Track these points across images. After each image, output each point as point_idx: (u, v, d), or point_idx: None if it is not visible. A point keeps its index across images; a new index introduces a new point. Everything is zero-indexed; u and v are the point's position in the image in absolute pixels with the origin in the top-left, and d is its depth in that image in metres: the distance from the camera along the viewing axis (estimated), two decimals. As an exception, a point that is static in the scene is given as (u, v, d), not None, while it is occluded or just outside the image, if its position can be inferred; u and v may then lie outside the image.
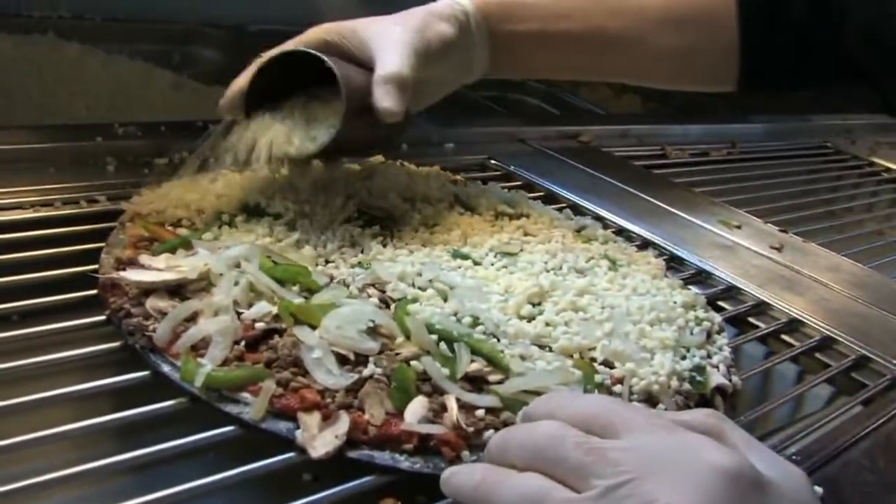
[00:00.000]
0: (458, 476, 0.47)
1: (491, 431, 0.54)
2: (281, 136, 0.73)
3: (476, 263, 0.72)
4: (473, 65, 0.85)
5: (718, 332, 0.73)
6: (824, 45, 0.85)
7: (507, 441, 0.47)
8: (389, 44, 0.74)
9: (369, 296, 0.64)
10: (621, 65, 0.91)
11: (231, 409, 0.53)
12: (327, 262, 0.68)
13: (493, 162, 1.10)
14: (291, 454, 0.52)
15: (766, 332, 0.81)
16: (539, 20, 0.85)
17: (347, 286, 0.64)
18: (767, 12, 0.86)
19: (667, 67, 0.91)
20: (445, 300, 0.65)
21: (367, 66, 0.74)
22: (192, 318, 0.58)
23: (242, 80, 0.75)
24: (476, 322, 0.63)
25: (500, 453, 0.47)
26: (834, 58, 0.86)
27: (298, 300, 0.61)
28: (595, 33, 0.87)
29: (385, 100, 0.71)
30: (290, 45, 0.76)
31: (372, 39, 0.75)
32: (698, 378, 0.64)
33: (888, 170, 1.62)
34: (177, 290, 0.61)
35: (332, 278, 0.65)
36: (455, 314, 0.63)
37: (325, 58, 0.71)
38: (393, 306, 0.63)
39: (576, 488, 0.42)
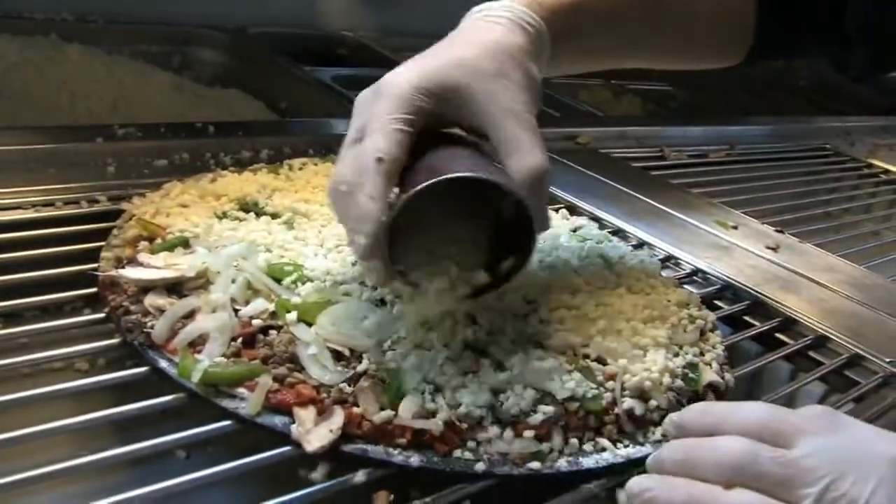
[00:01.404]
0: (661, 492, 0.50)
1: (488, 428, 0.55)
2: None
3: (472, 262, 0.73)
4: None
5: (712, 330, 0.73)
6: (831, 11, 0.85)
7: (693, 458, 0.51)
8: (513, 120, 0.60)
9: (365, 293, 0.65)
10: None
11: (228, 404, 0.54)
12: (324, 260, 0.69)
13: (491, 163, 1.11)
14: (287, 448, 0.52)
15: (760, 330, 0.81)
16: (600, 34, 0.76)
17: (343, 283, 0.65)
18: None
19: (694, 38, 0.85)
20: (440, 297, 0.65)
21: (473, 132, 0.63)
22: (190, 315, 0.59)
23: (382, 216, 0.56)
24: (471, 319, 0.63)
25: (687, 469, 0.51)
26: (836, 26, 0.85)
27: (295, 298, 0.61)
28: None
29: (542, 210, 0.60)
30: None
31: (483, 106, 0.60)
32: (691, 375, 0.65)
33: (886, 171, 1.62)
34: (175, 288, 0.62)
35: (328, 275, 0.66)
36: (450, 311, 0.64)
37: (517, 194, 0.58)
38: (388, 303, 0.64)
39: (786, 500, 0.47)
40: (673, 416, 0.57)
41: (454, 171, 0.57)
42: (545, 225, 0.61)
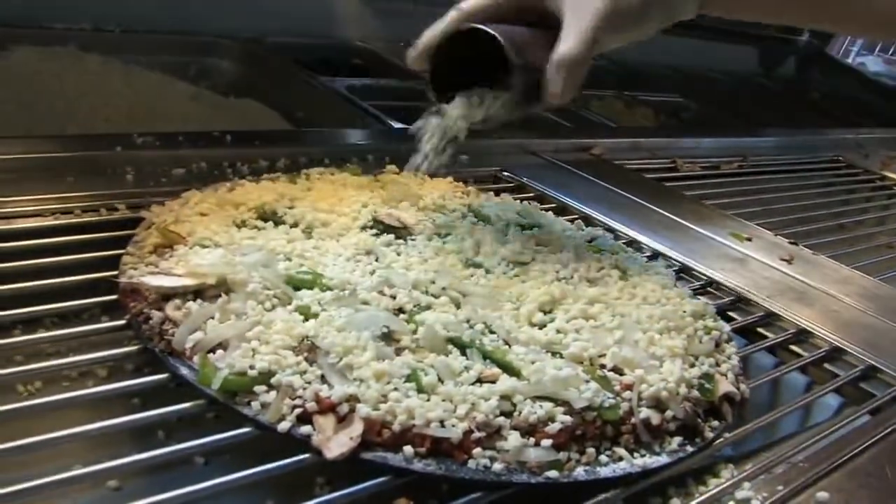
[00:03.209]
0: None
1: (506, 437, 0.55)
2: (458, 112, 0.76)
3: (488, 272, 0.74)
4: (676, 9, 0.79)
5: (727, 342, 0.73)
6: None
7: None
8: (577, 15, 0.73)
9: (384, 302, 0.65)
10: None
11: (248, 411, 0.54)
12: (343, 269, 0.69)
13: (505, 174, 1.11)
14: (306, 455, 0.53)
15: (774, 342, 0.82)
16: None
17: (363, 292, 0.65)
18: None
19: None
20: (458, 307, 0.66)
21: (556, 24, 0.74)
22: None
23: (430, 38, 0.76)
24: (488, 329, 0.64)
25: None
26: None
27: (315, 306, 0.62)
28: None
29: (554, 85, 0.73)
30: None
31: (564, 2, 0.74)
32: (706, 385, 0.65)
33: (900, 184, 1.62)
34: (196, 295, 0.62)
35: (348, 284, 0.66)
36: (468, 321, 0.64)
37: (502, 41, 0.72)
38: (408, 312, 0.64)
39: None
40: None
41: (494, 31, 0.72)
42: (557, 96, 0.73)
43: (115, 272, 0.66)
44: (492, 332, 0.64)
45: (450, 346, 0.61)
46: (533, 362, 0.61)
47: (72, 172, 0.83)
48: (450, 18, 0.76)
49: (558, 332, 0.66)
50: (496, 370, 0.60)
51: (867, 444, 0.67)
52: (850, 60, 3.24)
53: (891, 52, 3.38)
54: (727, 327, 0.76)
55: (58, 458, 0.52)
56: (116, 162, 0.87)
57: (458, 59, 0.76)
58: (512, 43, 0.72)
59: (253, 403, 0.54)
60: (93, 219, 0.77)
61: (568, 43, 0.72)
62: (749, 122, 1.97)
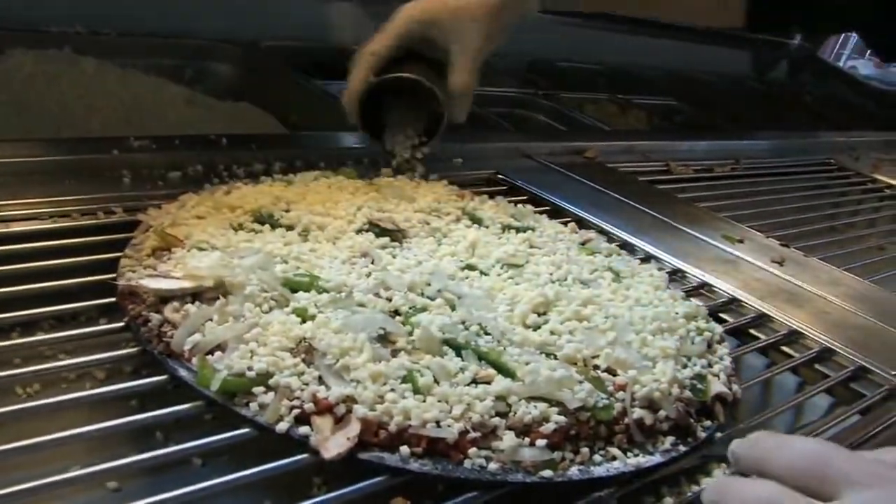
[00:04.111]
0: None
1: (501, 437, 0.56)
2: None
3: (483, 274, 0.74)
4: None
5: (719, 343, 0.74)
6: None
7: (722, 501, 0.48)
8: (462, 49, 0.95)
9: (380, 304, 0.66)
10: None
11: (246, 412, 0.55)
12: (339, 271, 0.70)
13: (500, 176, 1.12)
14: (303, 456, 0.53)
15: (766, 343, 0.82)
16: None
17: (359, 295, 0.66)
18: None
19: None
20: (454, 309, 0.67)
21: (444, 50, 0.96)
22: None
23: (357, 91, 0.96)
24: (483, 330, 0.65)
25: None
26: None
27: (312, 308, 0.62)
28: None
29: (458, 109, 0.98)
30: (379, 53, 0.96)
31: (451, 36, 0.95)
32: (699, 386, 0.65)
33: (890, 186, 1.63)
34: (194, 297, 0.62)
35: (344, 287, 0.67)
36: (463, 322, 0.65)
37: (428, 84, 0.95)
38: (403, 314, 0.65)
39: None
40: (731, 445, 0.53)
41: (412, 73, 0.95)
42: (462, 117, 1.00)
43: (113, 275, 0.67)
44: (487, 334, 0.65)
45: (445, 348, 0.62)
46: (527, 363, 0.61)
47: (68, 176, 0.84)
48: (367, 65, 0.94)
49: (552, 333, 0.67)
50: (491, 371, 0.60)
51: (857, 443, 0.67)
52: (841, 64, 3.26)
53: (882, 55, 3.39)
54: (719, 328, 0.77)
55: (56, 459, 0.52)
56: (113, 165, 0.87)
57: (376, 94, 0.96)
58: (431, 82, 0.94)
59: (251, 404, 0.55)
60: (90, 222, 0.77)
61: (461, 75, 0.95)
62: (741, 125, 1.98)
